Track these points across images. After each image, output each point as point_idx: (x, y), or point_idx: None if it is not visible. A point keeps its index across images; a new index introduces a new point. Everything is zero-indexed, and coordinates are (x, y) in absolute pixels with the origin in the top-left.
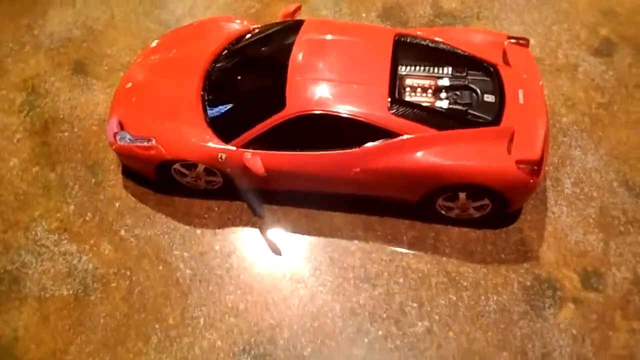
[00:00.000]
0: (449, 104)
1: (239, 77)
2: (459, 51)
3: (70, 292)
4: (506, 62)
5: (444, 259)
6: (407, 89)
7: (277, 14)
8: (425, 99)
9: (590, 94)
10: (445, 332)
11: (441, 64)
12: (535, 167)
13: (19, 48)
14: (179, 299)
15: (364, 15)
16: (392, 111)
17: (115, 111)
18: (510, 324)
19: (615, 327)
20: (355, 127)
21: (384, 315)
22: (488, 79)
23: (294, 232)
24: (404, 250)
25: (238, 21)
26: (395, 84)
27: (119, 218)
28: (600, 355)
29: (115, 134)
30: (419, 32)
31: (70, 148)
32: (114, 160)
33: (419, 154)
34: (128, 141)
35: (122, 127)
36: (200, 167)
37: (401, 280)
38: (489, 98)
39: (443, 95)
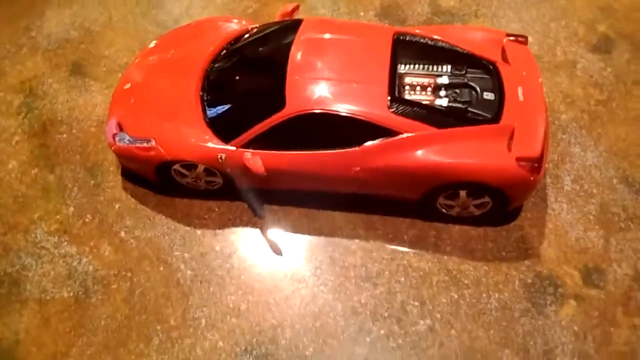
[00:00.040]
0: (449, 102)
1: (238, 77)
2: (458, 49)
3: (71, 294)
4: (505, 59)
5: (445, 257)
6: (407, 87)
7: (275, 14)
8: (424, 97)
9: (589, 90)
10: (447, 331)
11: (440, 62)
12: (536, 164)
13: (16, 50)
14: (180, 300)
15: (362, 14)
16: (392, 110)
17: (114, 112)
18: (511, 322)
19: (617, 323)
20: (355, 126)
21: (386, 314)
22: (487, 76)
23: (295, 231)
24: (405, 249)
25: (236, 20)
26: (395, 83)
27: (118, 219)
28: (601, 352)
29: (114, 135)
30: (417, 31)
31: (69, 150)
32: (113, 161)
33: (419, 152)
34: (127, 142)
35: (121, 128)
36: (200, 168)
37: (402, 278)
38: (489, 96)
39: (442, 93)
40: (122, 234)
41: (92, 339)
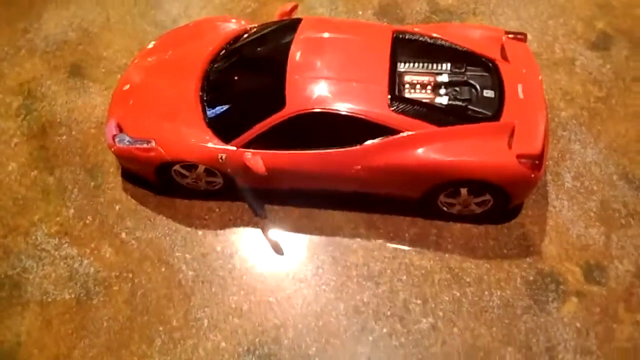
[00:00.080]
0: (449, 100)
1: (237, 77)
2: (458, 47)
3: (72, 296)
4: (504, 57)
5: (447, 255)
6: (407, 85)
7: (274, 13)
8: (424, 96)
9: (588, 87)
10: (449, 328)
11: (440, 60)
12: (537, 161)
13: (14, 52)
14: (182, 300)
15: (360, 12)
16: (392, 108)
17: (113, 113)
18: (514, 319)
19: (619, 319)
20: (355, 125)
21: (388, 313)
22: (487, 74)
23: (296, 231)
24: (406, 248)
25: (234, 20)
26: (395, 81)
27: (119, 221)
28: (604, 348)
29: (114, 137)
30: (416, 29)
31: (68, 151)
32: (113, 162)
33: (420, 150)
34: (127, 143)
35: (120, 129)
36: (201, 168)
37: (404, 277)
38: (489, 93)
39: (442, 91)
40: (123, 235)
41: (94, 340)
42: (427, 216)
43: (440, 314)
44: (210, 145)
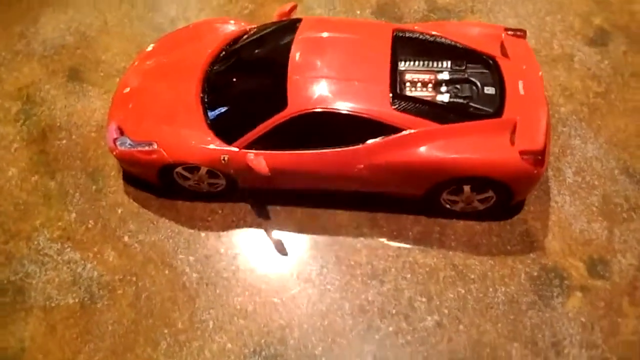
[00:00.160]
0: (450, 97)
1: (238, 78)
2: (458, 45)
3: (76, 300)
4: (504, 54)
5: (451, 252)
6: (408, 84)
7: (271, 14)
8: (425, 94)
9: (587, 83)
10: (455, 326)
11: (440, 58)
12: (539, 157)
13: (12, 56)
14: (186, 303)
15: (358, 12)
16: (394, 106)
17: (114, 117)
18: (519, 315)
19: (624, 313)
20: (357, 124)
21: (394, 311)
22: (487, 71)
23: (299, 231)
24: (410, 246)
25: (232, 22)
26: (396, 80)
27: (121, 224)
28: (609, 342)
29: (115, 140)
30: (416, 27)
31: (69, 155)
32: (114, 166)
33: (423, 148)
34: (129, 146)
35: (121, 132)
36: (203, 170)
37: (409, 275)
38: (490, 90)
39: (443, 89)
40: (126, 238)
41: (99, 344)
42: (430, 214)
43: (446, 311)
44: (212, 146)
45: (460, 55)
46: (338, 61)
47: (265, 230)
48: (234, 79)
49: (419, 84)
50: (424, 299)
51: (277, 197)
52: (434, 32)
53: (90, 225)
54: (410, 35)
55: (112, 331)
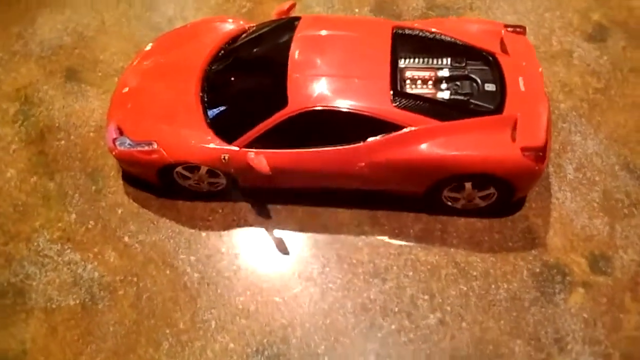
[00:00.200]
0: (450, 94)
1: (238, 77)
2: (457, 42)
3: (77, 301)
4: (504, 50)
5: (452, 250)
6: (408, 81)
7: (270, 13)
8: (426, 91)
9: (587, 79)
10: (458, 323)
11: (440, 55)
12: (540, 153)
13: (9, 57)
14: (188, 303)
15: (356, 10)
16: (395, 104)
17: (113, 117)
18: (522, 311)
19: (626, 309)
20: (358, 122)
21: (396, 309)
22: (487, 68)
23: (300, 230)
24: (411, 243)
25: (231, 20)
26: (396, 77)
27: (122, 224)
28: (612, 338)
29: (114, 140)
30: (416, 24)
31: (68, 156)
32: (114, 166)
33: (424, 145)
34: (128, 146)
35: (121, 132)
36: (203, 170)
37: (411, 273)
38: (490, 87)
39: (444, 86)
40: (126, 238)
41: (101, 345)
42: (431, 211)
43: (448, 308)
44: (212, 146)
45: (460, 52)
46: (338, 59)
47: (266, 229)
48: (234, 78)
49: (419, 81)
50: (426, 297)
51: (278, 195)
52: (433, 29)
53: (90, 226)
54: (410, 32)
55: (114, 332)
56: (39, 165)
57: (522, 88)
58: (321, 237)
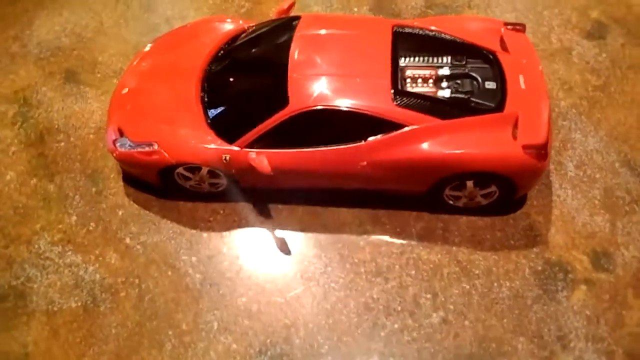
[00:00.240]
0: (451, 93)
1: (238, 77)
2: (457, 40)
3: (79, 303)
4: (504, 48)
5: (454, 248)
6: (408, 80)
7: (268, 13)
8: (427, 89)
9: (586, 76)
10: (461, 321)
11: (440, 53)
12: (542, 151)
13: (7, 59)
14: (190, 304)
15: (355, 9)
16: (396, 103)
17: (113, 118)
18: (524, 309)
19: (628, 305)
20: (359, 121)
21: (399, 308)
22: (488, 66)
23: (301, 230)
24: (413, 242)
25: (229, 20)
26: (397, 76)
27: (123, 226)
28: (615, 334)
29: (114, 141)
30: (415, 23)
31: (68, 158)
32: (114, 167)
33: (425, 144)
34: (129, 147)
35: (121, 133)
36: (204, 170)
37: (413, 272)
38: (490, 85)
39: (444, 84)
40: (128, 240)
41: (104, 347)
42: (432, 210)
43: (451, 307)
44: (213, 146)
45: (460, 50)
46: (338, 58)
47: (268, 230)
48: (234, 78)
49: (419, 80)
50: (429, 296)
51: (279, 195)
52: (433, 28)
53: (91, 228)
54: (410, 30)
55: (116, 334)
56: (39, 167)
57: (523, 86)
58: (323, 237)
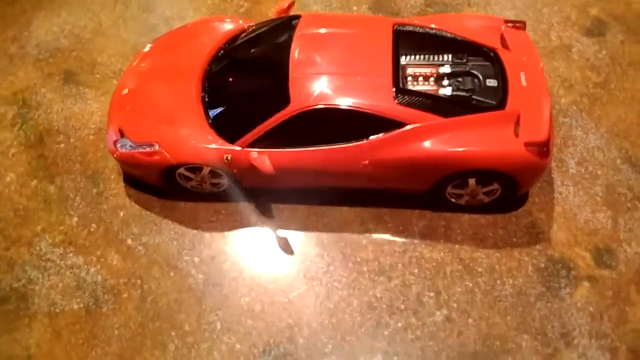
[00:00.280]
0: (453, 90)
1: (239, 77)
2: (458, 38)
3: (81, 305)
4: (505, 46)
5: (457, 246)
6: (410, 78)
7: (267, 12)
8: (428, 88)
9: (586, 73)
10: (464, 319)
11: (441, 51)
12: (544, 148)
13: (6, 61)
14: (193, 304)
15: (354, 8)
16: (398, 101)
17: (113, 119)
18: (528, 307)
19: (631, 302)
20: (361, 120)
21: (402, 307)
22: (488, 63)
23: (304, 229)
24: (416, 241)
25: (228, 20)
26: (398, 74)
27: (124, 227)
28: (618, 331)
29: (115, 142)
30: (416, 21)
31: (68, 159)
32: (115, 168)
33: (427, 142)
34: (130, 148)
35: (122, 134)
36: (206, 170)
37: (416, 270)
38: (492, 82)
39: (445, 82)
40: (129, 241)
41: (106, 349)
42: (434, 208)
43: (454, 305)
44: (214, 146)
45: (461, 48)
46: (339, 57)
47: (270, 229)
48: (235, 78)
49: (420, 78)
50: (432, 294)
51: (281, 195)
52: (433, 26)
53: (92, 229)
54: (411, 29)
55: (119, 335)
56: (39, 168)
57: (524, 83)
58: (325, 236)
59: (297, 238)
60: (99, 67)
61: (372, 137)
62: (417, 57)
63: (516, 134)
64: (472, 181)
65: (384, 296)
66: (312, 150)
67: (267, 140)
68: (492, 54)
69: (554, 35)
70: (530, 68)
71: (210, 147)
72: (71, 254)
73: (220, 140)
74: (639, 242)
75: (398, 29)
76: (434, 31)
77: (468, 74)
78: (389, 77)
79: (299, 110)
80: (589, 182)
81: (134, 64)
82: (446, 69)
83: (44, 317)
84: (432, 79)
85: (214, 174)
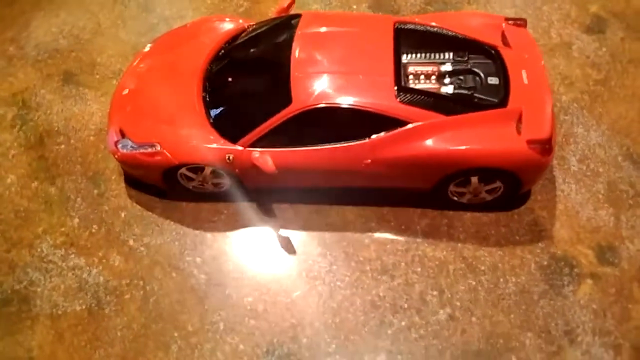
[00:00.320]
0: (454, 89)
1: (240, 76)
2: (459, 36)
3: (83, 307)
4: (506, 43)
5: (460, 244)
6: (411, 76)
7: (267, 11)
8: (429, 86)
9: (587, 71)
10: (468, 318)
11: (442, 49)
12: (547, 145)
13: (5, 62)
14: (195, 305)
15: (354, 7)
16: (400, 99)
17: (114, 119)
18: (531, 304)
19: (634, 299)
20: (363, 118)
21: (405, 306)
22: (490, 61)
23: (306, 229)
24: (418, 239)
25: (228, 19)
26: (400, 72)
27: (126, 228)
28: (622, 328)
29: (116, 143)
30: (417, 19)
31: (68, 160)
32: (115, 169)
33: (430, 140)
34: (131, 149)
35: (123, 134)
36: (207, 170)
37: (419, 269)
38: (493, 80)
39: (447, 80)
40: (131, 242)
41: (109, 350)
42: (437, 207)
43: (458, 303)
44: (216, 146)
45: (462, 46)
46: (341, 55)
47: (272, 229)
48: (236, 77)
49: (422, 76)
50: (435, 293)
51: (283, 194)
52: (434, 24)
53: (93, 230)
54: (412, 27)
55: (122, 336)
56: (40, 170)
57: (526, 81)
58: (327, 236)
59: (299, 237)
60: (98, 67)
61: (374, 136)
62: (419, 55)
63: (518, 132)
64: (474, 179)
65: (387, 295)
66: (314, 149)
67: (268, 140)
68: (493, 51)
69: (554, 32)
70: (531, 65)
71: (212, 147)
72: (73, 256)
73: (222, 140)
74: None
75: (399, 27)
76: (435, 29)
77: (469, 71)
78: (390, 76)
79: (301, 110)
80: (591, 180)
81: (134, 64)
82: (447, 67)
83: (46, 319)
84: (433, 77)
85: (215, 174)
